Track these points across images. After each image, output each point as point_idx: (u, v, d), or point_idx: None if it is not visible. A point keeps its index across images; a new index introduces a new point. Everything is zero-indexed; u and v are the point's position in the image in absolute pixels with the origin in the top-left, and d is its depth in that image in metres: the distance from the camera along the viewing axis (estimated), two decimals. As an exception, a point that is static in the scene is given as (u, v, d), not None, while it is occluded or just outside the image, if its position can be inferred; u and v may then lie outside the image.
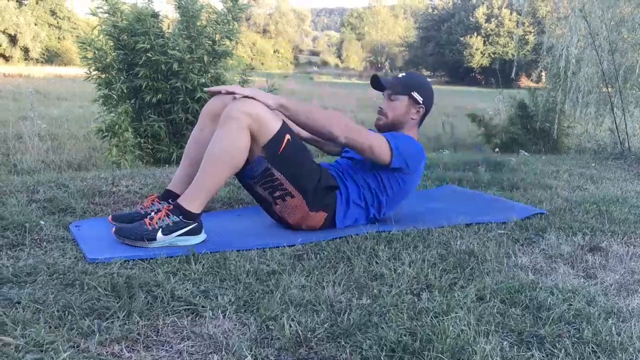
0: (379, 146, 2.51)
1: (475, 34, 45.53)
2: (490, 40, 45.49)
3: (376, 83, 2.75)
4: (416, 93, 2.72)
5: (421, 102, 2.73)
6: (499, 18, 45.76)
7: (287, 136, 2.37)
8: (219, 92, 2.40)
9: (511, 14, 44.58)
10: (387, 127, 2.73)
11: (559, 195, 3.41)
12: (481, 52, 45.25)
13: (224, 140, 2.26)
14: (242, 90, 2.33)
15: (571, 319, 1.69)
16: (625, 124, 6.60)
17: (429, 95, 2.78)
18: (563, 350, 1.51)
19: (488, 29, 45.71)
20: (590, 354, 1.50)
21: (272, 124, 2.33)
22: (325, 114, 2.45)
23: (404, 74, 2.85)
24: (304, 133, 2.67)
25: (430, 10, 56.33)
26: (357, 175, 2.63)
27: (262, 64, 53.04)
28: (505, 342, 1.55)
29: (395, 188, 2.65)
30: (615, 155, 5.82)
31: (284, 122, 2.39)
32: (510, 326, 1.64)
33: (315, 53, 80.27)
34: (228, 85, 2.60)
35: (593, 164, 5.03)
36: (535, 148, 8.15)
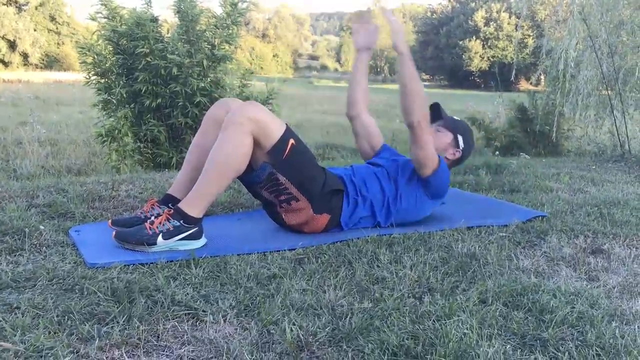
0: (433, 156, 2.62)
1: (474, 37, 45.56)
2: (489, 44, 45.52)
3: (436, 111, 2.85)
4: (461, 137, 2.84)
5: (461, 147, 2.84)
6: (498, 22, 45.80)
7: (291, 141, 2.37)
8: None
9: (510, 17, 44.61)
10: None
11: (560, 198, 3.40)
12: (480, 56, 45.28)
13: (227, 145, 2.26)
14: (396, 21, 2.65)
15: (574, 322, 1.68)
16: (626, 127, 6.59)
17: (469, 147, 2.91)
18: (567, 354, 1.50)
19: (487, 33, 45.74)
20: (594, 357, 1.49)
21: (276, 129, 2.33)
22: (423, 95, 2.58)
23: (459, 118, 3.00)
24: (359, 93, 2.96)
25: (429, 14, 56.37)
26: (375, 182, 2.66)
27: (262, 68, 53.08)
28: (508, 346, 1.54)
29: (410, 204, 2.68)
30: (616, 158, 5.81)
31: (287, 126, 2.39)
32: (513, 329, 1.63)
33: (314, 57, 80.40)
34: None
35: (593, 167, 5.02)
36: (535, 151, 8.14)
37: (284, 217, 2.51)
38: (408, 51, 2.59)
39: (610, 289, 2.01)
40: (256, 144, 2.31)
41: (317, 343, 1.52)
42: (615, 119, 6.66)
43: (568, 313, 1.73)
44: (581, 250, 2.43)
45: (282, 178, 2.38)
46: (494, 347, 1.51)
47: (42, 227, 2.39)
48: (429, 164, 2.61)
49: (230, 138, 2.25)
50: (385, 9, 2.69)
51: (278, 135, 2.34)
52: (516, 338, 1.59)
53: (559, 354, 1.50)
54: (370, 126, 3.01)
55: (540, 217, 2.91)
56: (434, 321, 1.66)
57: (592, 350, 1.52)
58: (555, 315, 1.71)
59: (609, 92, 6.74)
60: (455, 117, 2.97)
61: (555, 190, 3.71)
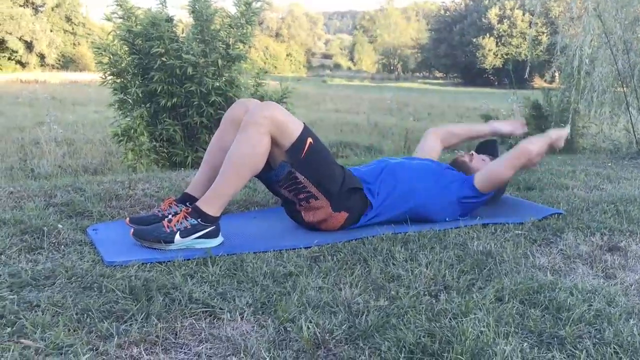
0: (500, 181, 2.83)
1: (487, 35, 45.33)
2: (503, 41, 45.28)
3: (492, 147, 3.06)
4: None
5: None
6: (512, 19, 45.54)
7: (309, 140, 2.38)
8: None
9: (524, 14, 44.33)
10: (461, 166, 2.96)
11: (576, 195, 3.39)
12: (494, 53, 45.05)
13: (245, 145, 2.27)
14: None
15: (592, 320, 1.68)
16: (642, 124, 6.54)
17: (500, 192, 3.03)
18: (584, 352, 1.49)
19: (501, 30, 45.50)
20: (612, 355, 1.49)
21: (294, 129, 2.35)
22: (545, 148, 2.93)
23: None
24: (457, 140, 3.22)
25: (442, 11, 56.13)
26: (408, 170, 2.74)
27: (275, 67, 53.18)
28: (526, 344, 1.53)
29: (441, 200, 2.74)
30: (632, 155, 5.76)
31: (305, 125, 2.40)
32: (530, 327, 1.63)
33: (327, 56, 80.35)
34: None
35: (609, 164, 4.98)
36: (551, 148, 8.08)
37: (303, 215, 2.52)
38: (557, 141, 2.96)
39: (628, 286, 2.00)
40: (274, 143, 2.32)
41: (334, 341, 1.53)
42: (630, 116, 6.61)
43: (585, 311, 1.73)
44: (598, 247, 2.42)
45: (301, 177, 2.39)
46: (511, 345, 1.51)
47: (60, 225, 2.42)
48: (495, 184, 2.79)
49: (248, 138, 2.27)
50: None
51: (296, 134, 2.35)
52: (533, 336, 1.59)
53: (577, 352, 1.50)
54: (434, 150, 3.13)
55: (556, 215, 2.89)
56: (451, 319, 1.66)
57: (610, 348, 1.51)
58: (573, 313, 1.70)
59: (625, 89, 6.68)
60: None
61: (571, 187, 3.69)
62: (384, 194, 2.63)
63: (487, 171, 2.79)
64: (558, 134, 2.94)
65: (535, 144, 2.83)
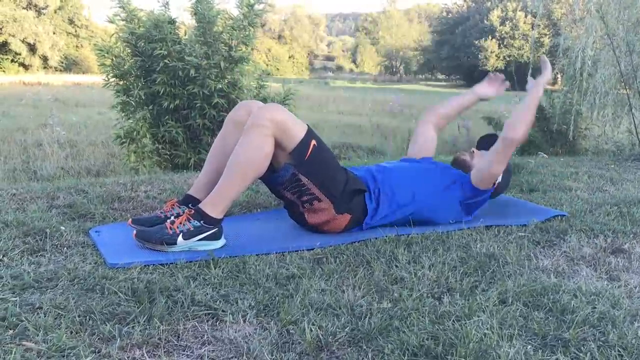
0: (498, 174, 2.74)
1: (490, 37, 45.29)
2: (505, 43, 45.23)
3: (491, 141, 2.89)
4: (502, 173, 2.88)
5: (497, 181, 2.86)
6: (514, 21, 45.49)
7: (313, 142, 2.38)
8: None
9: (526, 16, 44.29)
10: (462, 164, 2.91)
11: (579, 197, 3.38)
12: (496, 55, 44.99)
13: (249, 147, 2.27)
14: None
15: (596, 322, 1.67)
16: (644, 125, 6.53)
17: (505, 185, 2.99)
18: (589, 354, 1.48)
19: (503, 32, 45.45)
20: (616, 357, 1.48)
21: (298, 131, 2.35)
22: (530, 126, 2.72)
23: None
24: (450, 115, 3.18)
25: (444, 13, 56.14)
26: (404, 175, 2.72)
27: (278, 69, 53.17)
28: (529, 346, 1.53)
29: (445, 202, 2.72)
30: (635, 157, 5.74)
31: (309, 127, 2.40)
32: (534, 330, 1.62)
33: (330, 58, 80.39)
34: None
35: (612, 166, 4.97)
36: (553, 150, 8.08)
37: (306, 216, 2.52)
38: (542, 92, 2.80)
39: (632, 288, 1.99)
40: (278, 145, 2.32)
41: (337, 343, 1.53)
42: (633, 118, 6.60)
43: (589, 313, 1.72)
44: (601, 249, 2.41)
45: (304, 179, 2.39)
46: (515, 347, 1.50)
47: (62, 227, 2.42)
48: (488, 179, 2.72)
49: (252, 140, 2.27)
50: (545, 60, 2.85)
51: (300, 136, 2.35)
52: (537, 338, 1.58)
53: (581, 354, 1.49)
54: (429, 141, 3.09)
55: (559, 217, 2.88)
56: (454, 321, 1.65)
57: (614, 351, 1.50)
58: (577, 316, 1.70)
59: (627, 90, 6.67)
60: None
61: (574, 189, 3.68)
62: (385, 199, 2.62)
63: (479, 169, 2.74)
64: (541, 87, 2.80)
65: (521, 124, 2.67)
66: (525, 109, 2.71)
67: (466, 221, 2.74)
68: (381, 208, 2.61)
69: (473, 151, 2.96)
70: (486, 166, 2.71)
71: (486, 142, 2.97)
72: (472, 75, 46.25)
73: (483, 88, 3.18)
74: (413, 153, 3.07)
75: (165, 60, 5.35)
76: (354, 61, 74.80)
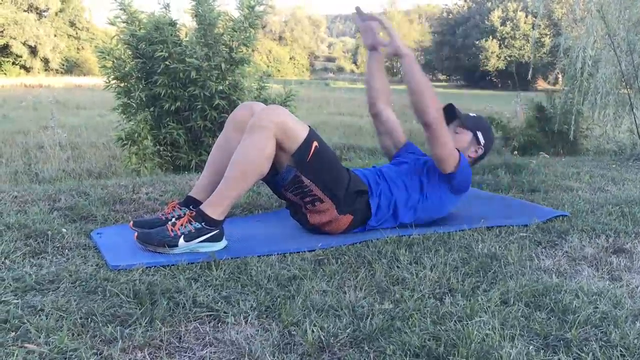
0: (452, 152, 2.61)
1: (490, 37, 45.23)
2: (506, 44, 45.15)
3: (450, 112, 2.80)
4: (480, 133, 2.84)
5: (482, 143, 2.84)
6: (515, 21, 45.41)
7: (315, 143, 2.38)
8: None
9: (527, 16, 44.22)
10: None
11: (581, 197, 3.37)
12: (497, 56, 44.91)
13: (251, 148, 2.27)
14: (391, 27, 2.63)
15: (597, 322, 1.67)
16: (646, 125, 6.52)
17: (490, 142, 2.91)
18: (591, 354, 1.48)
19: (503, 32, 45.37)
20: (618, 357, 1.48)
21: (300, 132, 2.34)
22: (434, 96, 2.54)
23: (474, 114, 2.96)
24: (380, 92, 2.92)
25: (445, 14, 56.09)
26: (399, 180, 2.68)
27: (279, 71, 53.14)
28: (531, 347, 1.53)
29: (434, 201, 2.69)
30: (636, 156, 5.73)
31: (310, 129, 2.40)
32: (536, 330, 1.62)
33: (330, 59, 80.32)
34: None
35: (613, 165, 4.97)
36: (554, 150, 8.08)
37: (308, 217, 2.52)
38: (411, 51, 2.59)
39: (634, 288, 1.99)
40: (280, 147, 2.32)
41: (338, 344, 1.53)
42: (635, 117, 6.60)
43: (591, 313, 1.72)
44: (603, 249, 2.40)
45: (307, 180, 2.39)
46: (517, 348, 1.50)
47: (64, 230, 2.42)
48: (450, 160, 2.61)
49: (254, 141, 2.27)
50: (377, 17, 2.66)
51: (302, 138, 2.35)
52: (539, 339, 1.58)
53: (583, 354, 1.49)
54: (391, 122, 2.97)
55: (560, 217, 2.88)
56: (456, 322, 1.65)
57: (617, 351, 1.50)
58: (578, 316, 1.69)
59: (628, 90, 6.67)
60: (471, 114, 2.95)
61: (575, 189, 3.68)
62: (385, 203, 2.62)
63: (436, 162, 2.62)
64: (399, 46, 2.58)
65: (428, 105, 2.49)
66: (415, 82, 2.51)
67: (457, 204, 2.78)
68: (383, 210, 2.61)
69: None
70: (434, 157, 2.61)
71: (450, 113, 2.82)
72: (473, 75, 46.28)
73: (367, 39, 2.92)
74: (389, 147, 2.98)
75: (166, 62, 5.35)
76: (354, 62, 74.70)
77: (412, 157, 2.83)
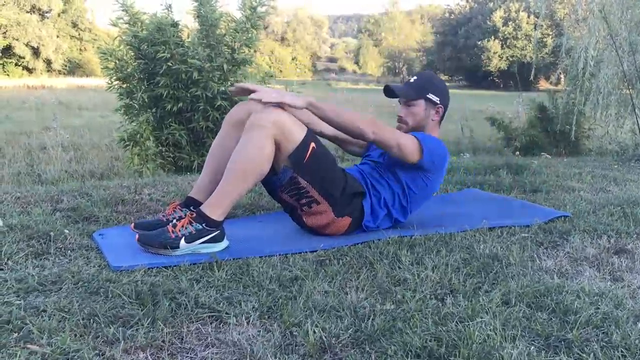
0: (408, 144, 2.51)
1: (492, 37, 45.21)
2: (508, 44, 45.12)
3: (390, 93, 2.71)
4: (431, 94, 2.70)
5: (438, 102, 2.71)
6: (517, 21, 45.38)
7: (312, 144, 2.37)
8: (243, 93, 2.42)
9: (529, 16, 44.19)
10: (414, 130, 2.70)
11: (582, 198, 3.37)
12: (499, 56, 44.89)
13: (249, 148, 2.26)
14: (268, 96, 2.30)
15: (599, 323, 1.67)
16: (648, 125, 6.51)
17: (444, 93, 2.75)
18: (592, 355, 1.48)
19: (506, 32, 45.35)
20: (619, 358, 1.48)
21: (297, 133, 2.33)
22: (353, 114, 2.49)
23: (415, 77, 2.81)
24: (328, 131, 2.66)
25: (447, 14, 56.07)
26: (381, 179, 2.64)
27: (281, 71, 53.19)
28: (533, 347, 1.53)
29: (419, 188, 2.64)
30: (638, 157, 5.73)
31: (308, 130, 2.39)
32: (537, 330, 1.62)
33: (333, 60, 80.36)
34: (249, 83, 2.55)
35: (615, 166, 4.97)
36: (556, 151, 8.08)
37: (305, 219, 2.51)
38: (309, 99, 2.38)
39: (635, 289, 1.99)
40: (277, 147, 2.31)
41: (340, 345, 1.53)
42: (637, 118, 6.59)
43: (592, 314, 1.72)
44: (605, 250, 2.41)
45: (303, 181, 2.38)
46: (518, 348, 1.50)
47: (66, 231, 2.43)
48: (411, 150, 2.52)
49: (253, 141, 2.26)
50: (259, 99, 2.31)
51: (299, 138, 2.34)
52: (540, 339, 1.58)
53: (584, 355, 1.49)
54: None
55: (562, 217, 2.88)
56: (457, 323, 1.65)
57: (618, 352, 1.50)
58: (580, 316, 1.69)
59: (630, 90, 6.66)
60: (411, 80, 2.79)
61: (577, 190, 3.68)
62: (375, 203, 2.61)
63: (400, 158, 2.54)
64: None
65: (357, 124, 2.41)
66: (334, 119, 2.42)
67: (441, 180, 2.72)
68: (377, 210, 2.60)
69: (400, 117, 2.75)
70: (397, 155, 2.53)
71: (391, 94, 2.72)
72: (475, 75, 46.28)
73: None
74: (355, 151, 2.90)
75: (169, 63, 5.36)
76: (356, 63, 74.76)
77: (381, 155, 2.72)
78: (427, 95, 2.69)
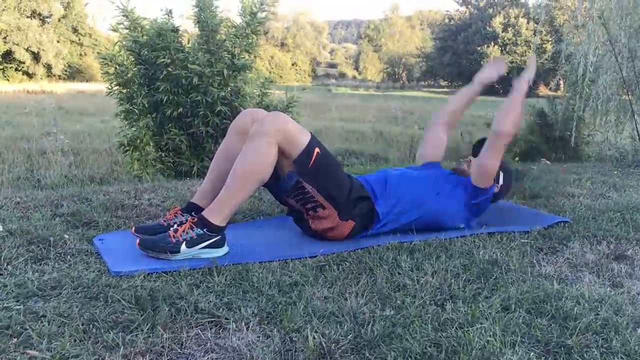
0: (494, 170, 2.75)
1: (492, 43, 45.29)
2: (507, 50, 45.20)
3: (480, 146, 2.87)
4: (502, 174, 2.91)
5: (500, 183, 2.90)
6: (516, 27, 45.47)
7: (317, 149, 2.40)
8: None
9: (528, 22, 44.30)
10: (461, 173, 2.88)
11: (582, 204, 3.38)
12: (499, 62, 44.93)
13: (253, 155, 2.28)
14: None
15: (599, 329, 1.67)
16: (647, 132, 6.52)
17: (507, 185, 3.00)
18: (591, 361, 1.48)
19: (505, 38, 45.44)
20: (619, 364, 1.48)
21: (301, 139, 2.36)
22: (519, 120, 2.80)
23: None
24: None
25: (446, 20, 56.17)
26: (409, 181, 2.73)
27: (281, 77, 53.23)
28: (532, 353, 1.53)
29: (445, 203, 2.73)
30: (638, 163, 5.74)
31: (312, 135, 2.42)
32: (537, 337, 1.62)
33: (332, 65, 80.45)
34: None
35: (615, 172, 4.97)
36: (556, 156, 8.07)
37: (310, 223, 2.53)
38: (526, 87, 2.79)
39: (635, 295, 1.99)
40: (282, 153, 2.33)
41: (340, 351, 1.53)
42: (636, 124, 6.60)
43: (592, 320, 1.72)
44: (604, 256, 2.41)
45: (308, 187, 2.40)
46: (518, 354, 1.50)
47: (66, 236, 2.43)
48: (488, 176, 2.74)
49: (256, 148, 2.28)
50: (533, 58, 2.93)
51: (304, 144, 2.36)
52: (540, 345, 1.58)
53: (584, 361, 1.49)
54: (438, 146, 3.07)
55: (562, 223, 2.89)
56: (457, 328, 1.65)
57: (618, 358, 1.51)
58: (579, 322, 1.70)
59: (630, 96, 6.67)
60: None
61: (576, 195, 3.68)
62: (390, 204, 2.63)
63: (476, 168, 2.76)
64: (525, 81, 2.85)
65: (508, 117, 2.72)
66: (512, 102, 2.75)
67: (471, 226, 2.74)
68: (385, 214, 2.61)
69: (470, 160, 2.96)
70: (481, 162, 2.72)
71: (480, 147, 2.96)
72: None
73: (485, 75, 3.18)
74: (423, 155, 3.07)
75: (169, 69, 5.36)
76: (356, 68, 74.87)
77: (438, 167, 2.95)
78: (500, 171, 2.90)
